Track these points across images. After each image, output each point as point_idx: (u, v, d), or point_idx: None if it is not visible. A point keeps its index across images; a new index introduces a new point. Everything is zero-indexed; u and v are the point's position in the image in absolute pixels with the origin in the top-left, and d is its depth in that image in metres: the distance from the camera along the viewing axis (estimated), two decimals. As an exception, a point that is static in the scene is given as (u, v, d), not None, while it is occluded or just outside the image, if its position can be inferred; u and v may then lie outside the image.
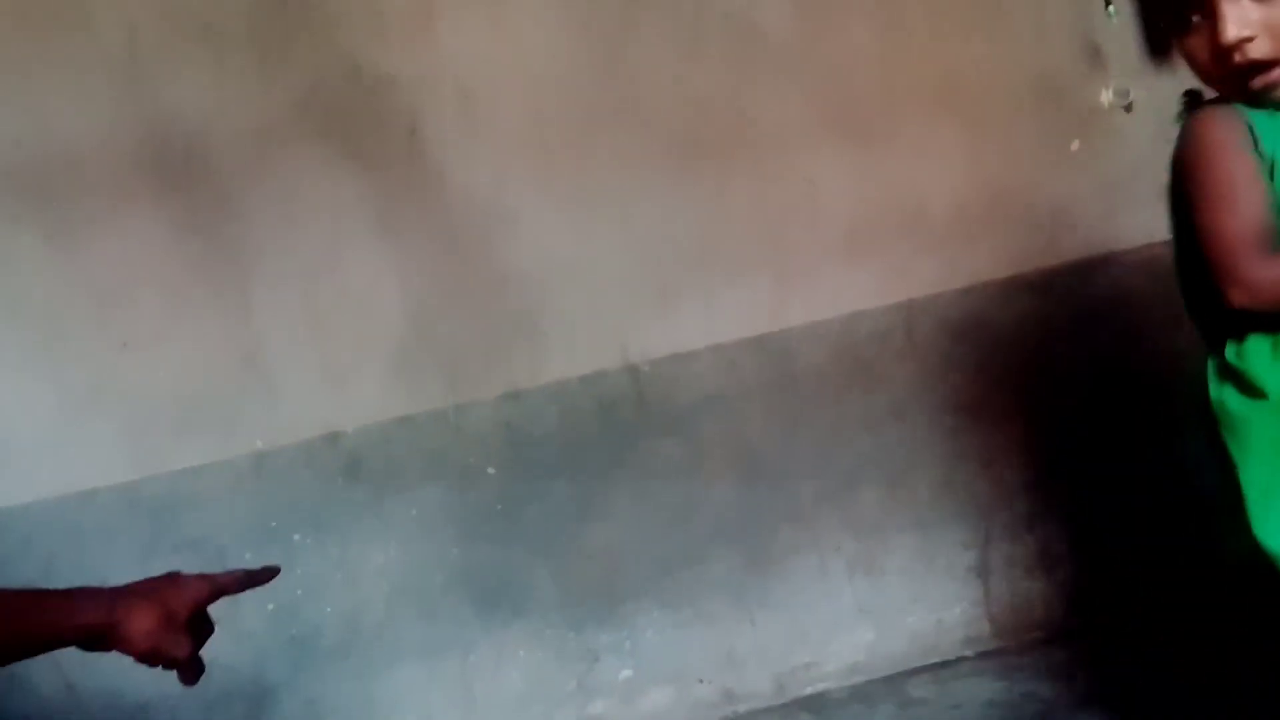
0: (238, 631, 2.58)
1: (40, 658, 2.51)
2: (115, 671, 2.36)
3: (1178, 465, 2.96)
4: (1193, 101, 1.65)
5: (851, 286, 2.79)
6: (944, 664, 2.78)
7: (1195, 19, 1.54)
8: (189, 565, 2.48)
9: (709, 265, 2.73)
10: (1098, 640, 2.74)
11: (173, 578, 1.16)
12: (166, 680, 2.64)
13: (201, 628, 1.17)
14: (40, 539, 2.54)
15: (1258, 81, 1.53)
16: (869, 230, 2.80)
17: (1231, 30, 1.49)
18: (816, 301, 2.78)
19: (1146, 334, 2.87)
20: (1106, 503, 2.87)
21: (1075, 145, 2.86)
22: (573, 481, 2.69)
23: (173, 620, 1.13)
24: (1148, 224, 2.80)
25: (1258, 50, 1.51)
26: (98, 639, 1.09)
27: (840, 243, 2.79)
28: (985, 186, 2.84)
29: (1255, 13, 1.50)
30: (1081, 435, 2.87)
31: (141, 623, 1.10)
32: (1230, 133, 1.56)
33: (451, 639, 2.68)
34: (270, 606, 2.61)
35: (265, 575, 1.25)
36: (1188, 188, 1.61)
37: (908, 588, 2.82)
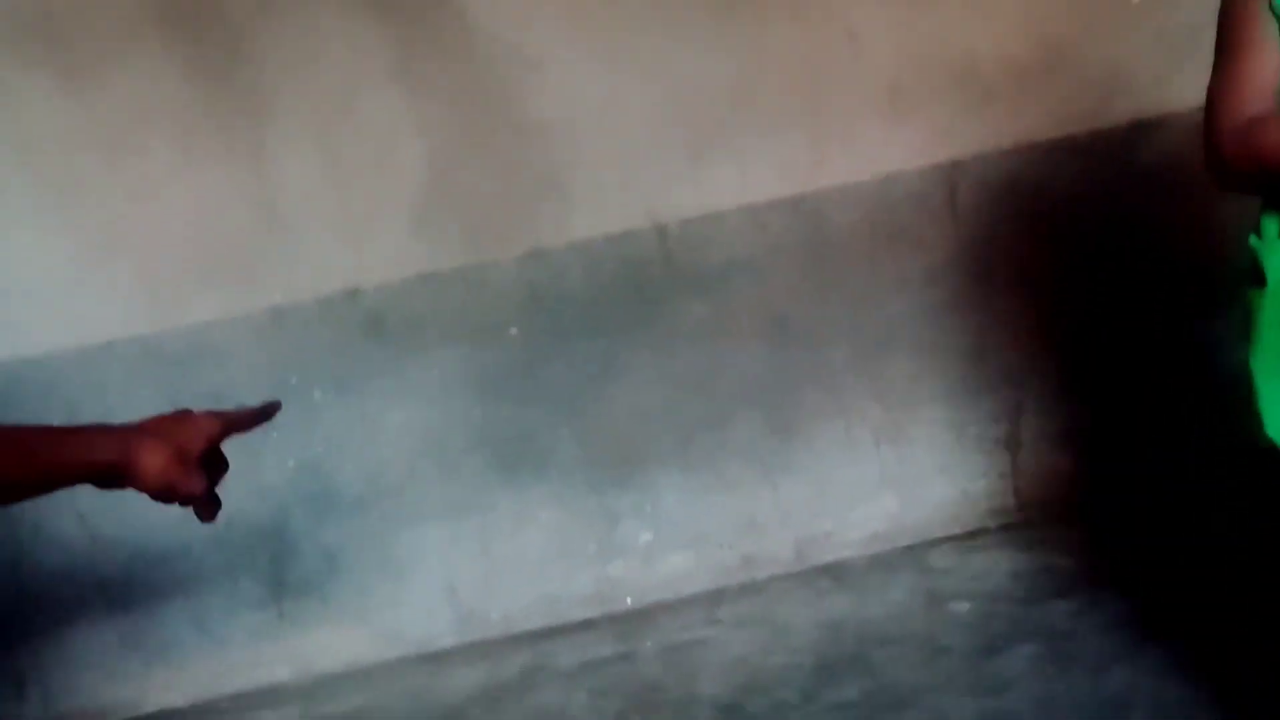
0: (259, 485, 2.60)
1: (64, 510, 2.53)
2: (138, 523, 2.40)
3: (1221, 344, 2.88)
4: None
5: (891, 146, 2.67)
6: (966, 535, 2.75)
7: None
8: (209, 419, 2.49)
9: (742, 121, 2.62)
10: (1123, 518, 2.71)
11: (185, 415, 1.15)
12: (188, 531, 2.65)
13: (216, 465, 1.16)
14: (61, 389, 2.53)
15: None
16: (912, 86, 2.67)
17: None
18: (854, 161, 2.67)
19: (1199, 204, 2.73)
20: (1145, 379, 2.79)
21: (1136, -2, 2.70)
22: (596, 343, 2.65)
23: (186, 456, 1.11)
24: (1206, 86, 2.66)
25: None
26: (112, 476, 1.09)
27: (881, 99, 2.67)
28: (1037, 41, 2.68)
29: None
30: (1124, 308, 2.78)
31: (155, 459, 1.09)
32: None
33: (472, 499, 2.68)
34: (291, 463, 2.61)
35: (271, 410, 1.23)
36: None
37: (934, 458, 2.78)
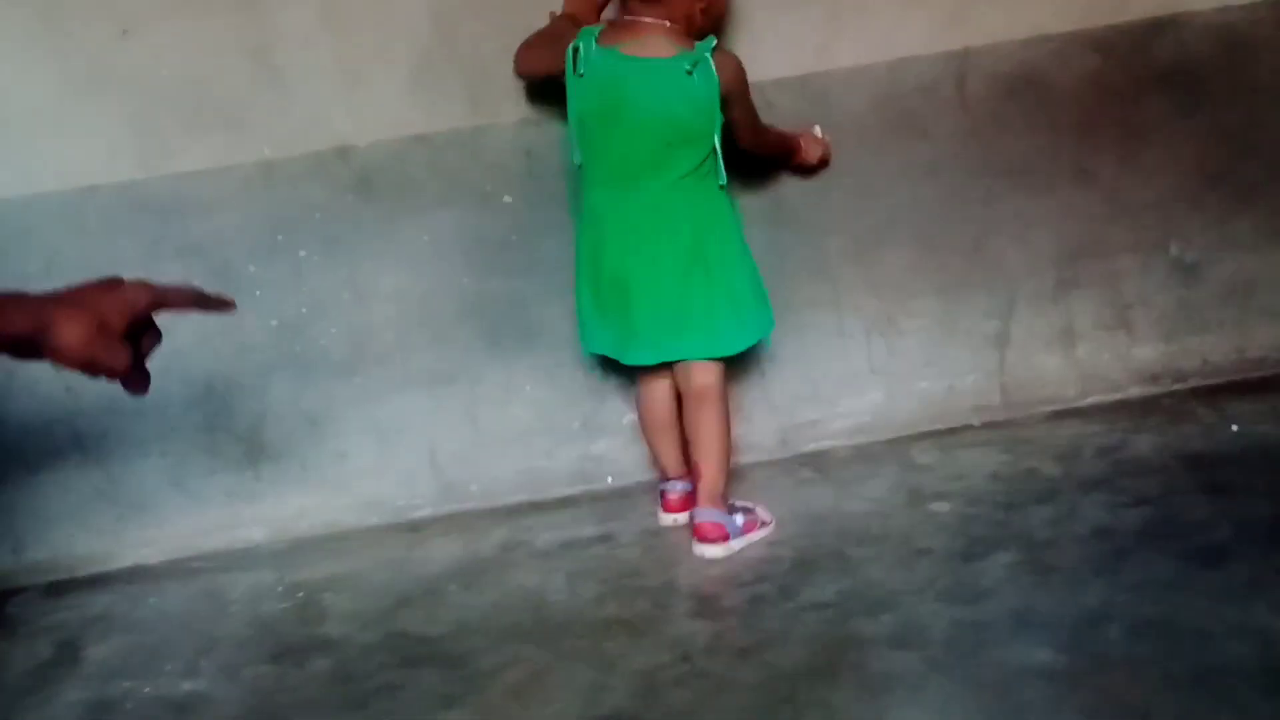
0: (241, 346, 2.54)
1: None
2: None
3: (1221, 247, 2.86)
4: None
5: (905, 29, 2.61)
6: (950, 431, 2.75)
7: None
8: (193, 271, 2.41)
9: (756, -5, 2.54)
10: (1107, 421, 2.71)
11: (111, 284, 1.07)
12: (167, 385, 2.57)
13: (147, 337, 1.09)
14: (42, 233, 2.45)
15: None
16: (928, -31, 2.59)
17: None
18: (866, 43, 2.60)
19: (1207, 106, 2.71)
20: (1140, 283, 2.78)
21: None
22: (592, 217, 2.58)
23: (108, 328, 1.04)
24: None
25: None
26: (29, 348, 1.03)
27: (896, -19, 2.59)
28: (1057, -69, 2.61)
29: None
30: (1124, 209, 2.75)
31: (75, 331, 1.03)
32: None
33: (459, 368, 2.63)
34: (274, 323, 2.55)
35: (218, 304, 1.15)
36: None
37: (923, 352, 2.77)
